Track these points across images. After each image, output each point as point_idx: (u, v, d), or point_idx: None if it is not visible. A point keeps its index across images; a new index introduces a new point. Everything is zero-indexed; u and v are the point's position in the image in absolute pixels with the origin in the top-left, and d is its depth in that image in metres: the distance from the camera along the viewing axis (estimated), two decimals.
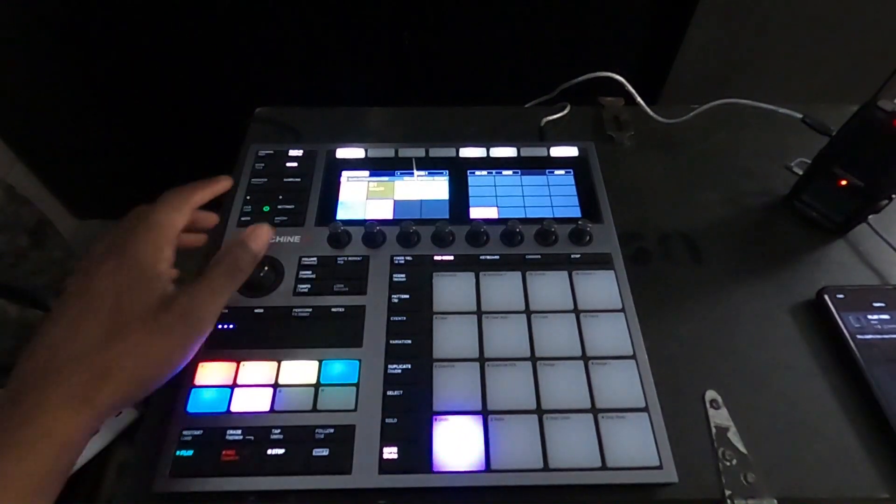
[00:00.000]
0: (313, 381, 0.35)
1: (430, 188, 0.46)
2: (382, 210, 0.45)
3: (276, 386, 0.35)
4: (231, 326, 0.37)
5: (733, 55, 0.85)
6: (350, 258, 0.41)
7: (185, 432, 0.33)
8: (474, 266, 0.41)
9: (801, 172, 0.48)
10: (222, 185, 0.39)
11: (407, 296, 0.39)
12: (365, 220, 0.43)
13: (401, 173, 0.47)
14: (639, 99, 0.53)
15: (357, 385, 0.35)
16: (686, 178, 0.50)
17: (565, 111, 0.55)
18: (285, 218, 0.44)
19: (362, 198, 0.45)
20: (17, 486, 0.23)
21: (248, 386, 0.35)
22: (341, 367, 0.36)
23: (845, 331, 0.38)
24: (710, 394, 0.37)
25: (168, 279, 0.30)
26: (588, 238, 0.42)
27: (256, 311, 0.38)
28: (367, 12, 0.83)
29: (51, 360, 0.26)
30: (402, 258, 0.41)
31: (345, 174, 0.47)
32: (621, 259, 0.41)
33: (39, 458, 0.24)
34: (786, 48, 0.84)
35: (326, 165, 0.47)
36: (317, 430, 0.33)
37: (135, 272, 0.29)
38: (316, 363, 0.36)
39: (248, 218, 0.44)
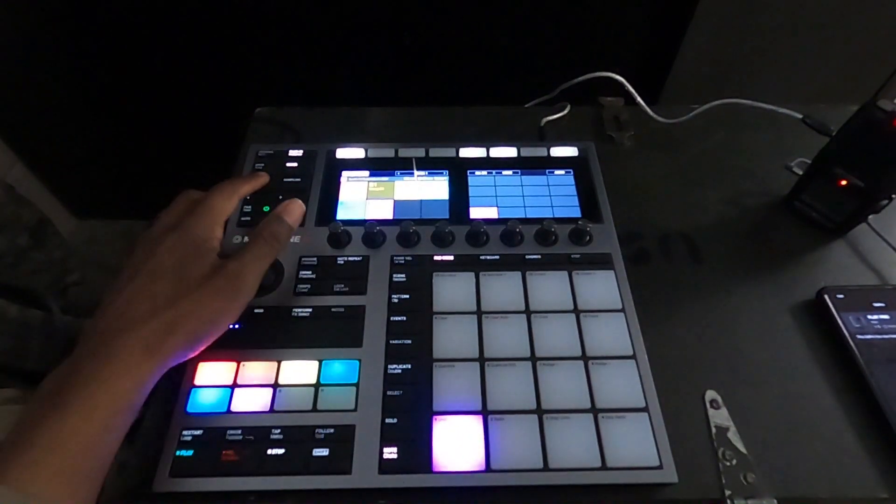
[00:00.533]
0: (313, 381, 0.35)
1: (430, 188, 0.46)
2: (382, 210, 0.45)
3: (276, 386, 0.35)
4: (231, 326, 0.37)
5: (733, 55, 0.85)
6: (350, 258, 0.41)
7: (185, 432, 0.33)
8: (474, 266, 0.41)
9: (801, 172, 0.48)
10: (262, 180, 0.44)
11: (407, 296, 0.39)
12: (365, 220, 0.43)
13: (401, 173, 0.47)
14: (639, 99, 0.53)
15: (357, 385, 0.35)
16: (686, 178, 0.50)
17: (565, 111, 0.55)
18: None
19: (362, 198, 0.45)
20: (101, 411, 0.28)
21: (248, 386, 0.35)
22: (341, 367, 0.36)
23: (845, 331, 0.38)
24: (710, 394, 0.37)
25: (217, 252, 0.35)
26: (588, 238, 0.42)
27: (256, 311, 0.38)
28: (367, 12, 0.83)
29: (126, 315, 0.31)
30: (402, 258, 0.41)
31: (345, 174, 0.47)
32: (621, 259, 0.41)
33: (120, 391, 0.29)
34: (786, 48, 0.84)
35: (326, 165, 0.47)
36: (317, 430, 0.33)
37: (192, 246, 0.34)
38: (316, 363, 0.36)
39: (248, 218, 0.44)
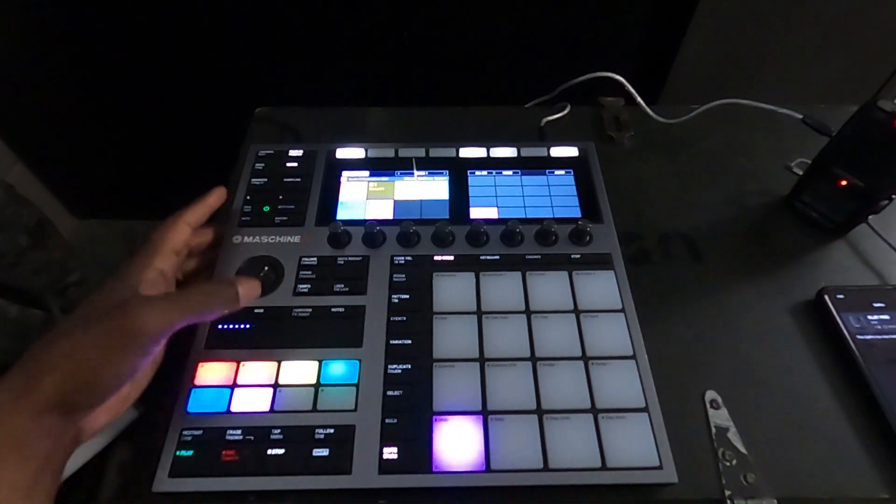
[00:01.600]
0: (313, 381, 0.35)
1: (430, 188, 0.46)
2: (382, 210, 0.45)
3: (276, 386, 0.35)
4: (231, 326, 0.37)
5: (733, 55, 0.85)
6: (350, 258, 0.41)
7: (185, 432, 0.33)
8: (474, 266, 0.41)
9: (801, 173, 0.48)
10: (214, 198, 0.40)
11: (407, 296, 0.39)
12: (365, 220, 0.43)
13: (401, 173, 0.47)
14: (639, 99, 0.53)
15: (357, 385, 0.35)
16: (686, 178, 0.50)
17: (565, 111, 0.55)
18: (285, 218, 0.44)
19: (362, 198, 0.45)
20: None
21: (248, 386, 0.35)
22: (341, 367, 0.36)
23: (845, 331, 0.38)
24: (710, 394, 0.37)
25: (143, 285, 0.31)
26: (588, 238, 0.42)
27: (256, 311, 0.38)
28: (367, 12, 0.83)
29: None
30: (402, 258, 0.41)
31: (345, 174, 0.47)
32: (621, 259, 0.41)
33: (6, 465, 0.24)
34: (786, 48, 0.84)
35: (326, 165, 0.47)
36: (317, 430, 0.33)
37: (115, 283, 0.31)
38: (316, 363, 0.36)
39: (248, 218, 0.44)
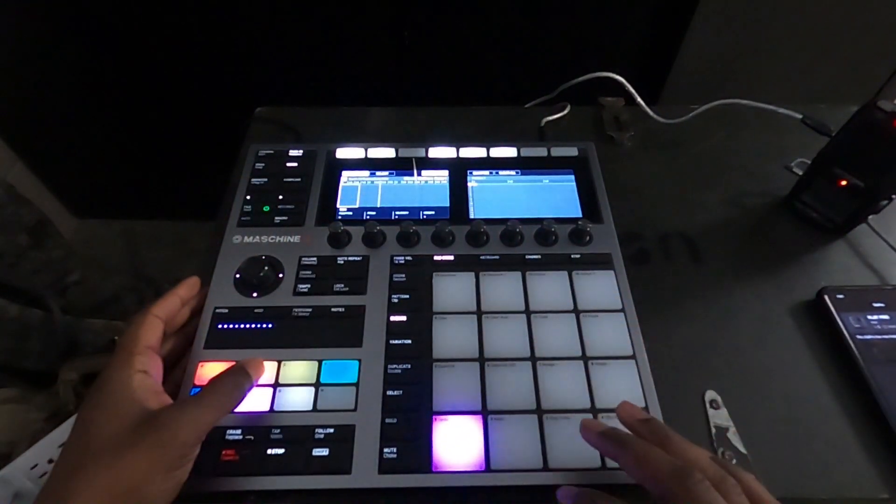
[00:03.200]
0: (313, 380, 0.35)
1: (430, 188, 0.46)
2: (382, 210, 0.45)
3: (276, 386, 0.35)
4: (231, 326, 0.37)
5: (733, 55, 0.85)
6: (350, 258, 0.41)
7: None
8: (474, 266, 0.41)
9: (801, 173, 0.48)
10: (185, 289, 0.38)
11: (407, 296, 0.39)
12: (365, 220, 0.43)
13: (401, 173, 0.47)
14: (639, 99, 0.53)
15: (357, 385, 0.35)
16: (686, 178, 0.50)
17: (565, 111, 0.55)
18: (285, 218, 0.44)
19: (362, 198, 0.45)
20: None
21: None
22: (341, 367, 0.36)
23: (845, 331, 0.38)
24: (710, 394, 0.37)
25: (144, 396, 0.29)
26: (588, 238, 0.42)
27: (256, 311, 0.38)
28: (367, 12, 0.83)
29: None
30: (402, 258, 0.41)
31: (345, 174, 0.47)
32: (621, 259, 0.41)
33: None
34: (785, 48, 0.84)
35: (326, 165, 0.47)
36: (317, 430, 0.33)
37: (106, 401, 0.29)
38: (316, 363, 0.36)
39: (248, 218, 0.44)
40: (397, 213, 0.44)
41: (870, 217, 0.44)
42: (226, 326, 0.37)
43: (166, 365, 0.34)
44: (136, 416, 0.28)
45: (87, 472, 0.26)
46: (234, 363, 0.35)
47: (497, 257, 0.41)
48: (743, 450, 0.34)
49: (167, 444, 0.27)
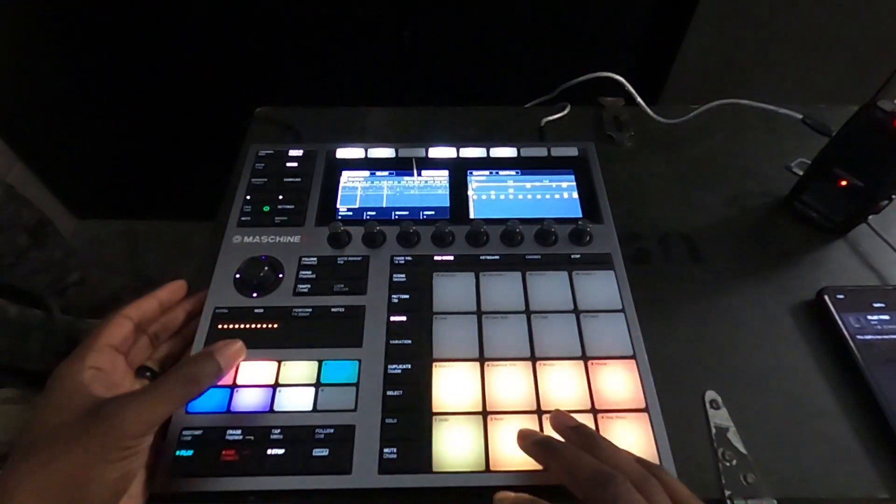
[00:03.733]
0: (313, 381, 0.35)
1: (430, 188, 0.46)
2: (382, 210, 0.45)
3: (276, 386, 0.35)
4: (231, 326, 0.37)
5: (733, 55, 0.85)
6: (350, 258, 0.41)
7: (184, 432, 0.33)
8: (474, 266, 0.41)
9: (801, 173, 0.48)
10: (167, 292, 0.37)
11: (407, 296, 0.39)
12: (365, 220, 0.43)
13: (401, 173, 0.47)
14: (639, 99, 0.53)
15: (357, 385, 0.35)
16: (686, 178, 0.50)
17: (565, 111, 0.55)
18: (285, 218, 0.44)
19: (362, 198, 0.45)
20: None
21: (248, 386, 0.35)
22: (341, 368, 0.36)
23: (845, 331, 0.38)
24: (710, 394, 0.37)
25: (93, 389, 0.28)
26: (588, 238, 0.42)
27: (256, 311, 0.38)
28: (367, 12, 0.83)
29: None
30: (402, 258, 0.41)
31: (345, 174, 0.47)
32: (621, 259, 0.41)
33: None
34: (785, 48, 0.84)
35: (326, 165, 0.47)
36: (317, 430, 0.33)
37: (52, 395, 0.28)
38: (316, 363, 0.36)
39: (248, 218, 0.44)
40: (397, 213, 0.44)
41: (870, 217, 0.44)
42: (226, 326, 0.37)
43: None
44: (82, 408, 0.27)
45: (26, 466, 0.25)
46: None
47: (497, 257, 0.41)
48: (743, 450, 0.34)
49: (108, 435, 0.26)
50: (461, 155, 0.48)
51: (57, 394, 0.28)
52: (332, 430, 0.33)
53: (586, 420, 0.33)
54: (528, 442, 0.31)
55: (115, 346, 0.32)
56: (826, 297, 0.40)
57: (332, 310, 0.38)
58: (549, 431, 0.33)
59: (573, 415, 0.34)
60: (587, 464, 0.27)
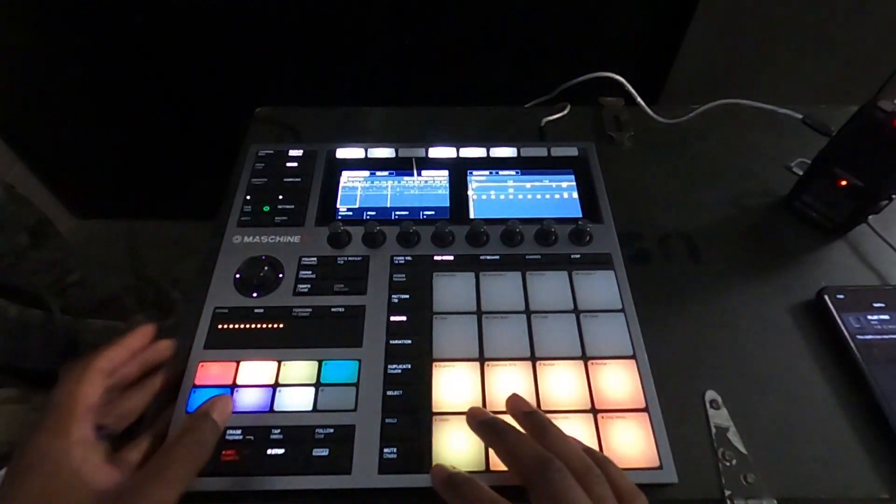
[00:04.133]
0: (313, 381, 0.35)
1: (430, 188, 0.46)
2: (382, 210, 0.45)
3: (276, 386, 0.35)
4: (231, 326, 0.37)
5: (733, 55, 0.85)
6: (350, 258, 0.41)
7: None
8: (474, 266, 0.41)
9: (801, 173, 0.48)
10: (136, 339, 0.33)
11: (407, 296, 0.39)
12: (365, 220, 0.43)
13: (401, 173, 0.47)
14: (639, 99, 0.53)
15: (357, 385, 0.35)
16: (686, 178, 0.50)
17: (565, 111, 0.55)
18: (285, 218, 0.44)
19: (362, 198, 0.45)
20: None
21: (248, 386, 0.35)
22: (341, 367, 0.36)
23: (845, 331, 0.38)
24: (710, 394, 0.37)
25: (91, 474, 0.26)
26: (588, 238, 0.42)
27: (256, 311, 0.38)
28: (368, 12, 0.83)
29: None
30: (402, 258, 0.41)
31: (345, 174, 0.47)
32: (621, 259, 0.41)
33: None
34: (786, 48, 0.84)
35: (326, 165, 0.47)
36: (317, 430, 0.33)
37: (43, 482, 0.25)
38: (316, 363, 0.36)
39: (248, 218, 0.44)
40: (397, 213, 0.44)
41: (870, 217, 0.44)
42: (226, 326, 0.37)
43: (126, 428, 0.31)
44: (91, 499, 0.24)
45: None
46: (234, 362, 0.35)
47: (497, 257, 0.41)
48: (743, 450, 0.34)
49: None
50: (461, 155, 0.48)
51: (48, 480, 0.25)
52: (332, 430, 0.33)
53: (586, 420, 0.34)
54: (476, 421, 0.31)
55: (95, 406, 0.29)
56: (826, 297, 0.40)
57: (332, 310, 0.38)
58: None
59: (573, 415, 0.34)
60: (529, 449, 0.27)
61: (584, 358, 0.36)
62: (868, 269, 0.44)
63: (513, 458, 0.28)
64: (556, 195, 0.46)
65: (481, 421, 0.31)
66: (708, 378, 0.38)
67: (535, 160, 0.48)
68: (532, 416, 0.31)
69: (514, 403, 0.32)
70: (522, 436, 0.29)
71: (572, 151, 0.49)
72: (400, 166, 0.47)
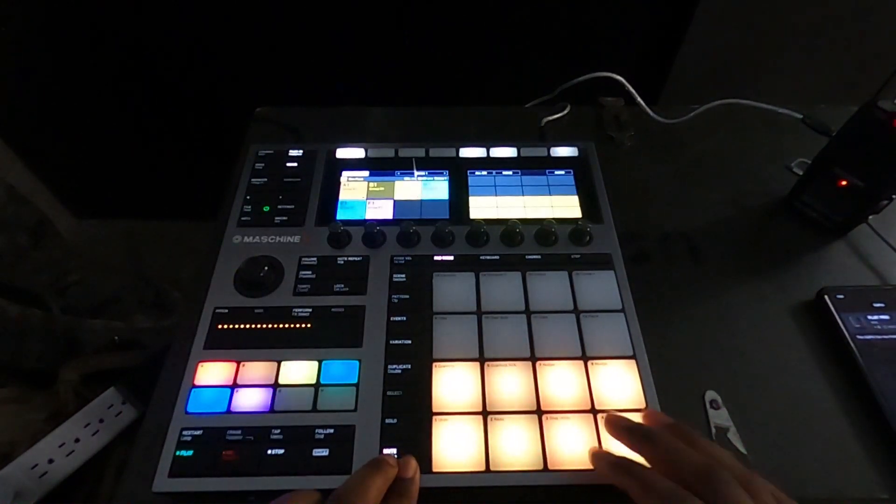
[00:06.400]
0: (313, 381, 0.35)
1: (430, 188, 0.46)
2: (382, 210, 0.45)
3: (276, 386, 0.35)
4: (231, 326, 0.37)
5: (733, 55, 0.85)
6: (350, 258, 0.41)
7: (185, 432, 0.33)
8: (474, 266, 0.41)
9: (801, 173, 0.48)
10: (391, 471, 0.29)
11: (407, 296, 0.39)
12: (365, 220, 0.43)
13: (401, 173, 0.47)
14: (639, 99, 0.53)
15: (357, 385, 0.35)
16: (686, 178, 0.50)
17: (565, 111, 0.55)
18: (285, 218, 0.44)
19: (362, 198, 0.45)
20: None
21: (248, 386, 0.35)
22: (341, 368, 0.36)
23: (845, 331, 0.38)
24: (710, 394, 0.37)
25: None
26: (588, 238, 0.42)
27: (256, 311, 0.38)
28: (367, 12, 0.83)
29: None
30: (402, 258, 0.41)
31: (345, 174, 0.47)
32: (621, 259, 0.41)
33: None
34: (786, 48, 0.84)
35: (326, 165, 0.47)
36: (317, 430, 0.33)
37: None
38: (316, 363, 0.36)
39: (248, 218, 0.44)
40: (397, 213, 0.44)
41: (870, 217, 0.44)
42: (226, 326, 0.37)
43: None
44: None
45: None
46: (234, 362, 0.34)
47: (497, 257, 0.41)
48: (743, 450, 0.34)
49: None
50: (461, 155, 0.48)
51: None
52: (332, 430, 0.33)
53: (586, 420, 0.34)
54: (620, 427, 0.31)
55: None
56: (826, 297, 0.40)
57: (332, 310, 0.38)
58: (550, 431, 0.33)
59: (573, 415, 0.34)
60: (690, 456, 0.26)
61: (584, 358, 0.36)
62: (868, 269, 0.44)
63: (674, 465, 0.27)
64: (556, 195, 0.46)
65: (627, 426, 0.31)
66: (708, 378, 0.38)
67: (535, 160, 0.48)
68: (678, 426, 0.30)
69: (655, 417, 0.32)
70: (679, 444, 0.28)
71: (572, 151, 0.49)
72: (400, 166, 0.47)
